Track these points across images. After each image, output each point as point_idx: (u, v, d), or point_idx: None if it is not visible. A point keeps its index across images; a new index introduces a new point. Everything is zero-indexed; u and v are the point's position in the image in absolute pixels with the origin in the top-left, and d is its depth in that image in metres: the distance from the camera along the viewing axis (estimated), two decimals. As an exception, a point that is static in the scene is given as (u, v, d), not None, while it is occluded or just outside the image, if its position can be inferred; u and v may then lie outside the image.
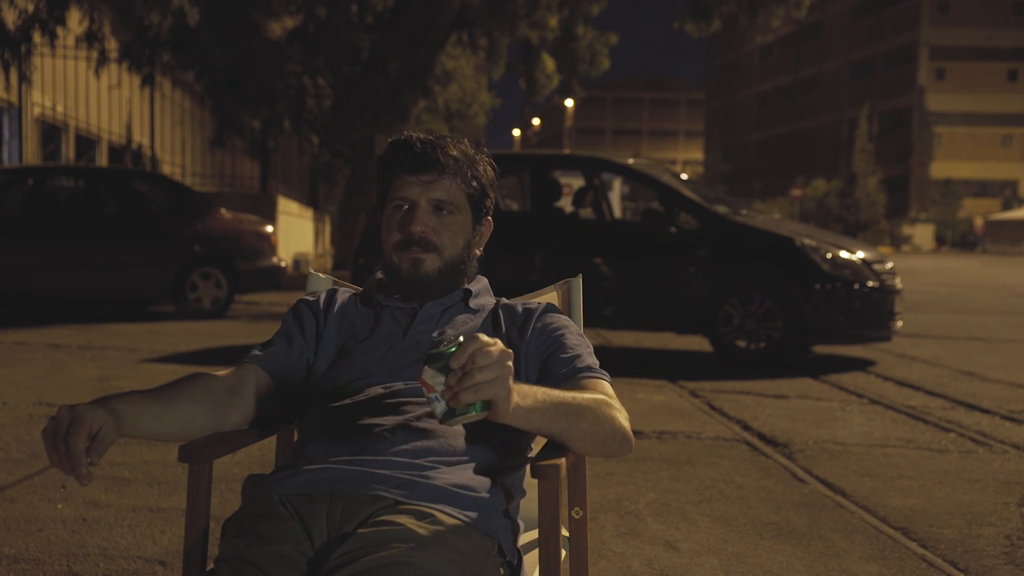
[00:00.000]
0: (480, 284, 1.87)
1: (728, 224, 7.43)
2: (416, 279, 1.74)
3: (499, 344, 1.36)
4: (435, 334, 1.42)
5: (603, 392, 1.64)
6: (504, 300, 1.88)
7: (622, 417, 1.59)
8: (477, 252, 1.84)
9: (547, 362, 1.72)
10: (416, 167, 1.74)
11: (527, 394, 1.45)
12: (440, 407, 1.34)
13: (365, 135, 17.35)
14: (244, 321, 9.87)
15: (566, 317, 1.84)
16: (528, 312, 1.81)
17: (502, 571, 1.53)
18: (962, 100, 63.88)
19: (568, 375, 1.67)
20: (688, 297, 7.29)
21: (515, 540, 1.60)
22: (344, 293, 1.90)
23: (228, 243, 10.23)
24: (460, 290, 1.80)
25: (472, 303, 1.81)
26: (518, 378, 1.64)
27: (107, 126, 20.93)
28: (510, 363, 1.36)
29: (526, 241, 7.56)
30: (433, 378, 1.33)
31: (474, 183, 1.78)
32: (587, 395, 1.57)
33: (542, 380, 1.69)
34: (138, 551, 2.94)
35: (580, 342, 1.77)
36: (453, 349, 1.33)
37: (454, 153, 1.75)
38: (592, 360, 1.72)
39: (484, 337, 1.35)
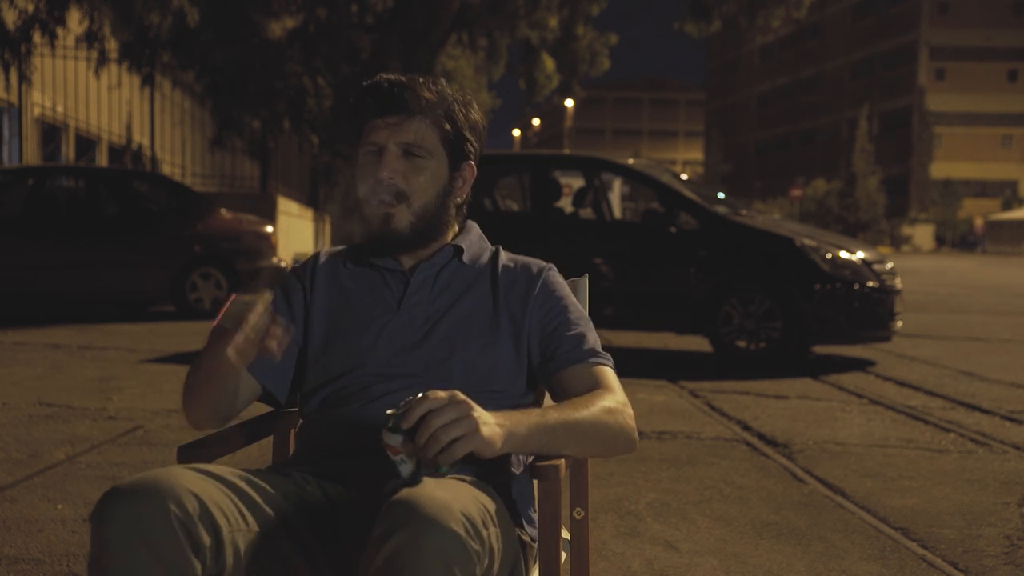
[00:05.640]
0: (471, 235, 1.76)
1: (728, 224, 7.43)
2: (388, 235, 1.64)
3: (453, 396, 1.32)
4: (389, 411, 1.33)
5: (607, 383, 1.61)
6: (503, 255, 1.77)
7: (626, 416, 1.56)
8: (458, 200, 1.71)
9: (551, 337, 1.67)
10: (384, 108, 1.63)
11: (520, 422, 1.41)
12: (405, 469, 1.31)
13: (365, 135, 17.32)
14: (244, 321, 9.85)
15: (565, 284, 1.77)
16: (529, 277, 1.72)
17: (519, 535, 1.54)
18: (962, 100, 63.91)
19: (576, 359, 1.64)
20: (688, 297, 7.29)
21: (526, 519, 1.63)
22: (333, 257, 1.79)
23: (228, 243, 10.23)
24: (450, 247, 1.71)
25: (466, 258, 1.72)
26: (518, 352, 1.68)
27: (107, 126, 20.92)
28: (473, 413, 1.32)
29: (526, 241, 7.53)
30: (393, 440, 1.30)
31: (447, 125, 1.65)
32: (591, 408, 1.53)
33: (545, 358, 1.66)
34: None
35: (581, 316, 1.72)
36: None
37: (426, 94, 1.64)
38: (594, 339, 1.69)
39: (435, 395, 1.31)
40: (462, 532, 1.20)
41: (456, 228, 1.75)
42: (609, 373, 1.64)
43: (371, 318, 1.67)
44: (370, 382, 1.62)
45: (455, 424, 1.30)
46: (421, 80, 1.66)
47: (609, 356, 1.67)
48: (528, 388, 1.72)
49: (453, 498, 1.25)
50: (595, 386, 1.61)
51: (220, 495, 1.33)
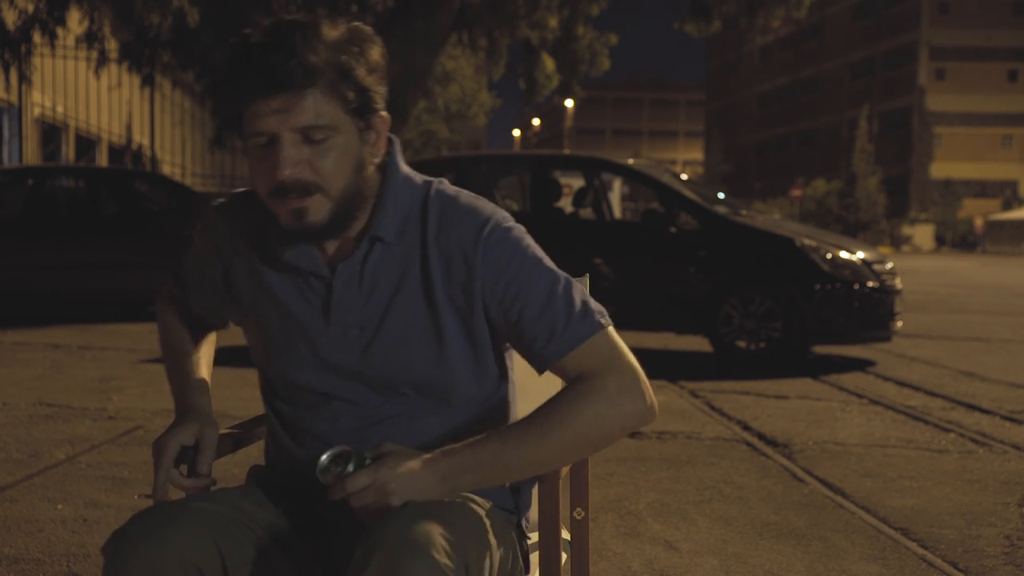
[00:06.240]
0: (389, 197, 1.43)
1: (728, 224, 7.43)
2: (304, 229, 1.37)
3: (376, 480, 1.26)
4: (322, 460, 1.29)
5: (592, 371, 1.38)
6: (433, 213, 1.44)
7: (613, 406, 1.36)
8: (376, 161, 1.42)
9: (517, 329, 1.41)
10: (265, 89, 1.29)
11: (461, 471, 1.32)
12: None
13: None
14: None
15: (516, 238, 1.44)
16: (466, 253, 1.41)
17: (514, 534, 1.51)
18: (962, 100, 63.88)
19: (554, 354, 1.38)
20: (688, 297, 7.30)
21: (518, 503, 1.57)
22: (242, 220, 1.50)
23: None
24: (366, 239, 1.42)
25: (390, 236, 1.42)
26: (477, 351, 1.46)
27: (107, 126, 20.92)
28: (390, 485, 1.27)
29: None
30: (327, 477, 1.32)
31: (347, 88, 1.33)
32: (561, 423, 1.34)
33: (523, 350, 1.44)
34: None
35: (544, 281, 1.41)
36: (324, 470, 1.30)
37: (312, 58, 1.29)
38: (568, 308, 1.39)
39: (350, 485, 1.27)
40: (442, 558, 1.19)
41: (377, 188, 1.44)
42: (597, 349, 1.39)
43: (301, 329, 1.46)
44: (317, 402, 1.49)
45: (377, 508, 1.28)
46: (302, 36, 1.30)
47: (595, 314, 1.41)
48: (501, 375, 1.54)
49: (433, 521, 1.23)
50: (582, 376, 1.38)
51: (225, 528, 1.33)
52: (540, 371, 1.44)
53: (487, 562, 1.32)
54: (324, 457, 1.30)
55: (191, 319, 1.66)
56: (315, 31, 1.31)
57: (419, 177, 1.48)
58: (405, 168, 1.48)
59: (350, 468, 1.29)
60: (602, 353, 1.40)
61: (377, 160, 1.42)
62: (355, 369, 1.45)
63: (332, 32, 1.33)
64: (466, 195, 1.48)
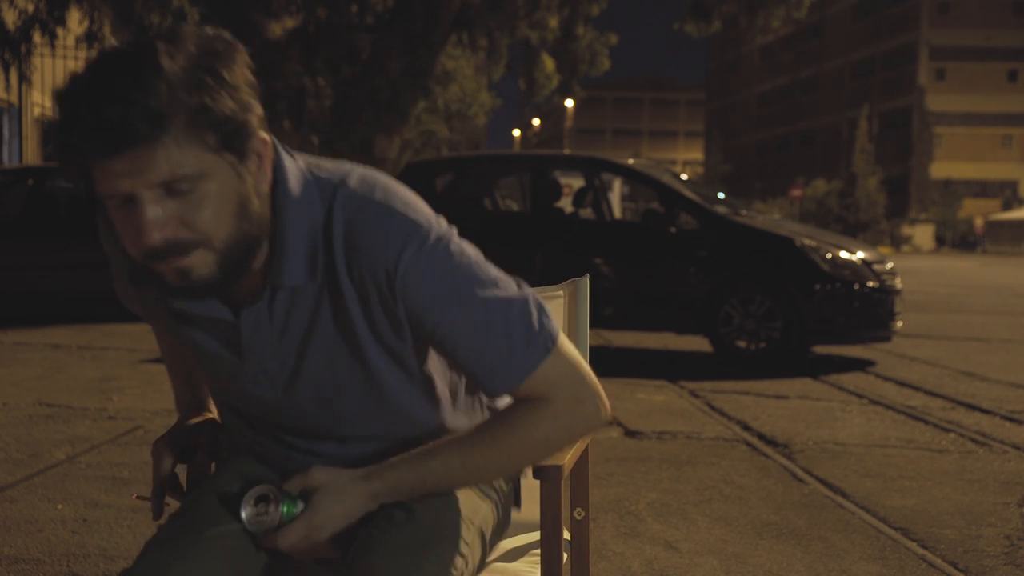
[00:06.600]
0: (289, 243, 1.20)
1: (728, 224, 7.44)
2: (193, 287, 1.17)
3: (304, 531, 1.21)
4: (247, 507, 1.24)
5: (547, 387, 1.25)
6: (339, 236, 1.20)
7: (566, 419, 1.27)
8: (264, 189, 1.18)
9: (456, 365, 1.27)
10: (106, 147, 1.06)
11: (396, 488, 1.26)
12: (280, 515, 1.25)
13: (365, 135, 17.37)
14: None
15: (439, 259, 1.20)
16: (381, 290, 1.21)
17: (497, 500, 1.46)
18: (962, 100, 63.88)
19: (500, 390, 1.26)
20: (688, 297, 7.30)
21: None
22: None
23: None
24: (267, 289, 1.23)
25: (294, 283, 1.22)
26: (411, 376, 1.31)
27: (107, 126, 20.95)
28: (325, 529, 1.22)
29: (526, 241, 7.57)
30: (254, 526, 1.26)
31: (206, 127, 1.08)
32: (501, 434, 1.27)
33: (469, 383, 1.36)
34: (138, 551, 2.93)
35: (478, 312, 1.21)
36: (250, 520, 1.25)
37: (156, 103, 1.05)
38: (511, 341, 1.22)
39: (282, 542, 1.22)
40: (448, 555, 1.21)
41: (269, 220, 1.20)
42: (545, 375, 1.25)
43: (218, 359, 1.31)
44: (251, 428, 1.40)
45: (313, 551, 1.25)
46: (137, 78, 1.05)
47: (541, 338, 1.24)
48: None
49: (414, 554, 1.21)
50: (532, 397, 1.27)
51: (239, 555, 1.29)
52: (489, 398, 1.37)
53: (474, 554, 1.33)
54: (246, 507, 1.23)
55: None
56: (153, 68, 1.05)
57: (319, 185, 1.22)
58: (295, 186, 1.21)
59: (283, 510, 1.22)
60: (550, 377, 1.25)
61: (265, 188, 1.19)
62: (279, 406, 1.32)
63: (174, 63, 1.06)
64: (379, 199, 1.21)
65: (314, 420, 1.32)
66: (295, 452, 1.35)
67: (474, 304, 1.21)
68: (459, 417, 1.40)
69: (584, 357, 1.76)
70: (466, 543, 1.30)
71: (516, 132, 63.49)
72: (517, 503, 1.56)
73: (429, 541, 1.23)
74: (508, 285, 1.25)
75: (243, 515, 1.23)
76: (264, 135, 1.17)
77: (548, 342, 1.24)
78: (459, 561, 1.26)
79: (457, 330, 1.21)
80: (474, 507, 1.37)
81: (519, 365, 1.23)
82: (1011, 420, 5.27)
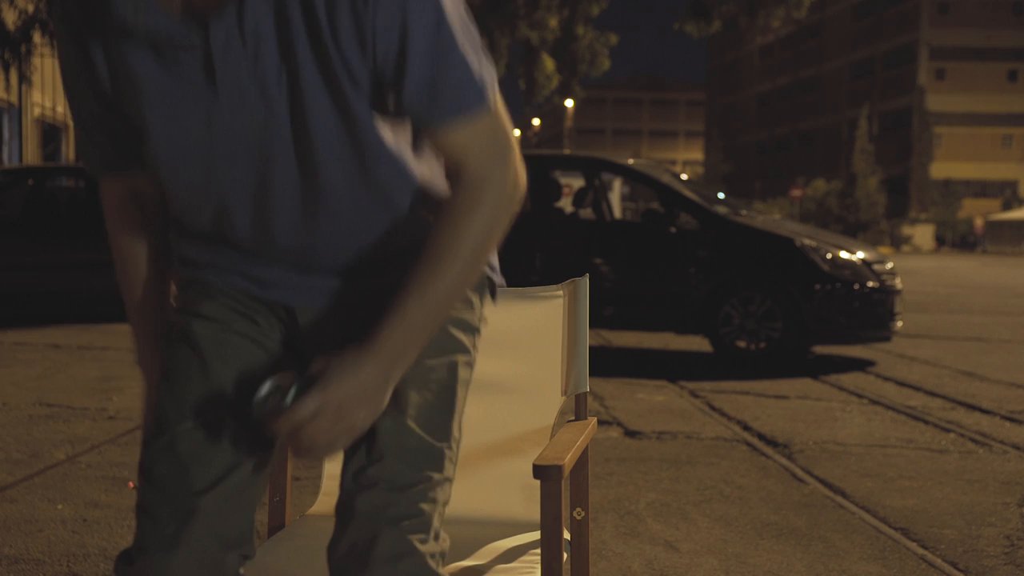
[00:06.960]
0: None
1: (728, 224, 7.44)
2: None
3: (317, 402, 1.14)
4: (261, 394, 1.17)
5: (466, 167, 1.20)
6: None
7: (489, 209, 1.21)
8: None
9: (384, 70, 1.14)
10: None
11: (400, 352, 1.19)
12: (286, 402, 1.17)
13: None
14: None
15: None
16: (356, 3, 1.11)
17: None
18: (962, 100, 63.89)
19: (435, 118, 1.17)
20: (688, 297, 7.30)
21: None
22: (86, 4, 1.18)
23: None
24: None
25: None
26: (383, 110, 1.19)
27: (107, 126, 20.96)
28: (347, 403, 1.15)
29: (526, 241, 7.56)
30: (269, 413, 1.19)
31: None
32: (452, 256, 1.20)
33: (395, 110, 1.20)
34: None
35: (442, 40, 1.14)
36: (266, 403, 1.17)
37: None
38: (460, 73, 1.15)
39: (297, 414, 1.13)
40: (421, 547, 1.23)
41: None
42: (475, 132, 1.19)
43: (183, 98, 1.17)
44: (207, 246, 1.33)
45: (334, 441, 1.17)
46: None
47: (474, 87, 1.17)
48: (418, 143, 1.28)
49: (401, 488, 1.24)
50: (460, 170, 1.21)
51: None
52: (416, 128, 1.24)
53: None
54: (261, 391, 1.17)
55: (136, 199, 1.36)
56: None
57: None
58: None
59: (290, 398, 1.15)
60: (471, 154, 1.20)
61: None
62: (262, 139, 1.18)
63: None
64: None
65: (301, 158, 1.20)
66: (250, 282, 1.31)
67: (446, 35, 1.14)
68: (422, 166, 1.29)
69: (584, 357, 1.78)
70: (455, 439, 1.33)
71: (516, 132, 63.37)
72: (493, 295, 1.46)
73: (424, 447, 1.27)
74: (482, 52, 1.20)
75: (255, 399, 1.17)
76: None
77: (472, 95, 1.18)
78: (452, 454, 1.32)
79: (404, 29, 1.12)
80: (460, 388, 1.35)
81: (448, 99, 1.16)
82: (1011, 420, 5.27)
